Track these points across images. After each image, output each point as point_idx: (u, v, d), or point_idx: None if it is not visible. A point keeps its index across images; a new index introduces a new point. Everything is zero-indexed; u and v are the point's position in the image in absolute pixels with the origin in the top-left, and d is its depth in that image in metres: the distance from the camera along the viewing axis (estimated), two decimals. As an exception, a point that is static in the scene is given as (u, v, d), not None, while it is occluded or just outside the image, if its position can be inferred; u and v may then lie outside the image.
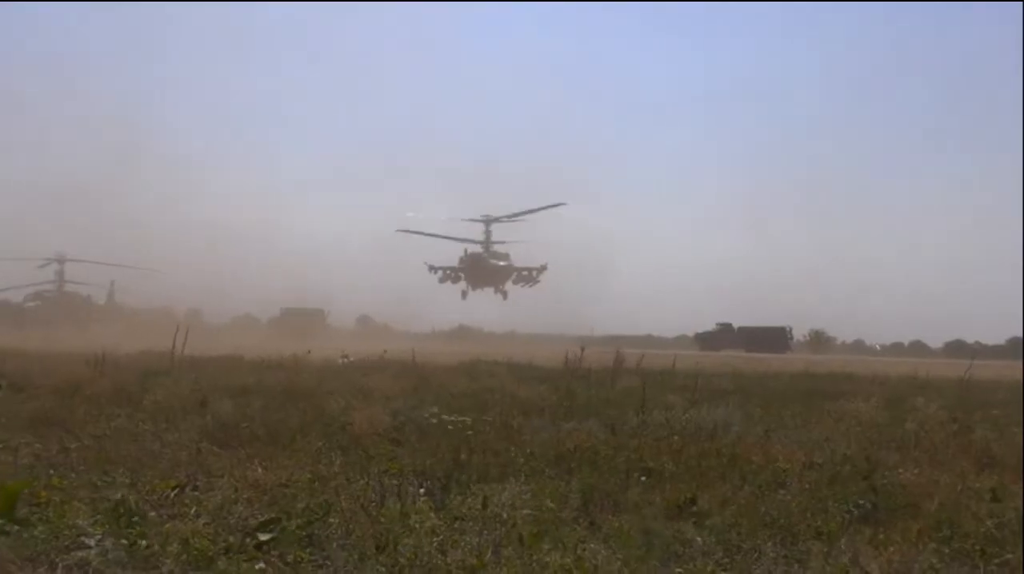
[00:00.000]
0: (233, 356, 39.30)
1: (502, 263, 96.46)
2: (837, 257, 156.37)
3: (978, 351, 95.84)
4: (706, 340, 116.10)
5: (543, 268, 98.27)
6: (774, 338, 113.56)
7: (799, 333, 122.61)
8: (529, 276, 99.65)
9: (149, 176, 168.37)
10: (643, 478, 11.75)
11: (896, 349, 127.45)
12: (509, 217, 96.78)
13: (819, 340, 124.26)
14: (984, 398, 29.70)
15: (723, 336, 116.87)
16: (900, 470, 12.88)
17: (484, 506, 9.50)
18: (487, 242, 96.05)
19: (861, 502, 10.37)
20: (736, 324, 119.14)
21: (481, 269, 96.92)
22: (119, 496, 9.49)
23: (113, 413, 17.31)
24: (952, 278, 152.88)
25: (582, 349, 33.75)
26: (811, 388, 32.13)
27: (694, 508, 10.23)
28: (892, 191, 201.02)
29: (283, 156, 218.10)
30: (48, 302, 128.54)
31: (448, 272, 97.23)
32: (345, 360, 37.92)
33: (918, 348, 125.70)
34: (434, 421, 15.58)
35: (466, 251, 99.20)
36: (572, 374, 30.15)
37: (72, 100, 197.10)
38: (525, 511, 9.59)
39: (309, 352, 37.52)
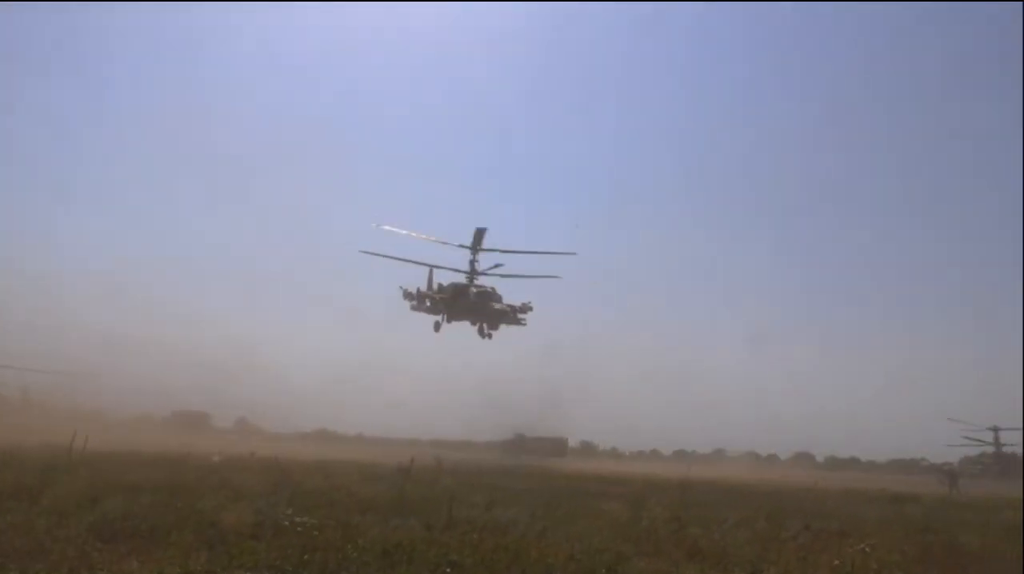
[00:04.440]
0: (130, 452, 35.86)
1: (497, 306, 57.91)
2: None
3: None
4: (507, 446, 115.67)
5: (530, 307, 60.08)
6: (555, 446, 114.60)
7: (573, 442, 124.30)
8: (516, 318, 60.34)
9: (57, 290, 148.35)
10: (448, 570, 11.39)
11: (654, 455, 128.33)
12: (498, 273, 58.35)
13: (587, 448, 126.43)
14: (699, 499, 30.74)
15: (520, 443, 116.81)
16: (634, 559, 13.08)
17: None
18: (472, 272, 58.84)
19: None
20: (528, 434, 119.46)
21: (464, 301, 58.70)
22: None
23: (11, 507, 15.25)
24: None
25: (412, 460, 32.27)
26: (580, 488, 32.42)
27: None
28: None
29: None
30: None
31: (425, 300, 58.35)
32: (217, 458, 35.29)
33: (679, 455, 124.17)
34: (286, 523, 14.51)
35: (434, 281, 59.57)
36: (403, 475, 29.18)
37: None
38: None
39: (188, 454, 34.67)
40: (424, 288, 56.84)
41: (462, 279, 56.64)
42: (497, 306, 56.96)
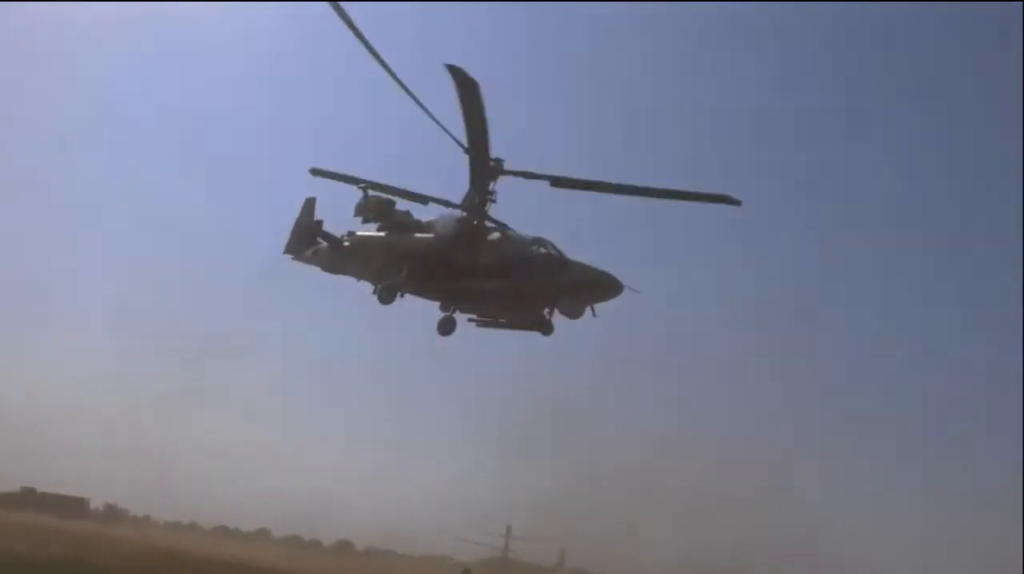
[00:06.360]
0: None
1: (578, 268, 23.12)
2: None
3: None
4: (6, 500, 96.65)
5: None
6: (74, 506, 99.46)
7: (96, 503, 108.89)
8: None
9: None
10: None
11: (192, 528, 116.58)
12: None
13: (113, 512, 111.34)
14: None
15: (27, 497, 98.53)
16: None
17: None
18: (479, 206, 23.90)
19: None
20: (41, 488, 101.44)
21: (483, 255, 23.69)
22: None
23: None
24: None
25: None
26: (84, 561, 28.21)
27: None
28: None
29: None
30: None
31: (380, 233, 26.36)
32: None
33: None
34: None
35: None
36: None
37: None
38: None
39: None
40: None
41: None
42: (579, 268, 23.59)
